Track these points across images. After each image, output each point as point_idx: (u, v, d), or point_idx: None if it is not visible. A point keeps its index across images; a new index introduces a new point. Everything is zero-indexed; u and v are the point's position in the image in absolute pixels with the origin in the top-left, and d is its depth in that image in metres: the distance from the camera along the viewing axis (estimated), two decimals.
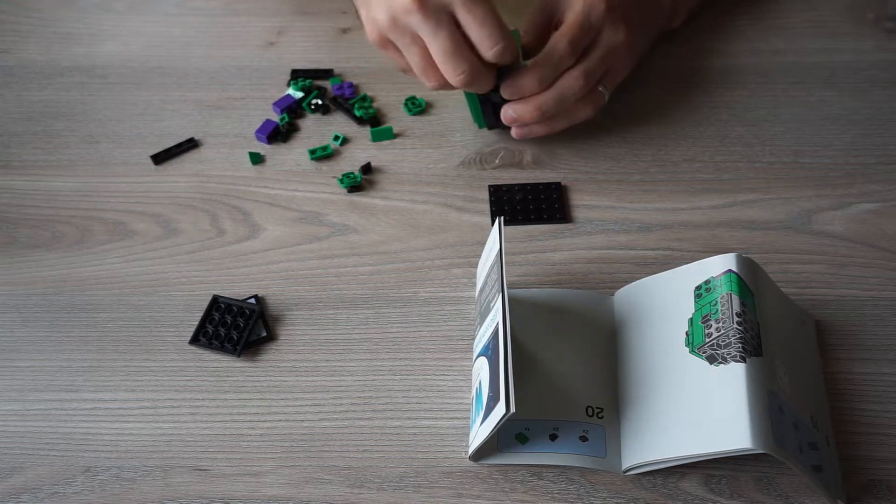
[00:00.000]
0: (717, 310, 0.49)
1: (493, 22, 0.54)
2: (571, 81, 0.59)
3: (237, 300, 0.57)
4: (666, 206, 0.62)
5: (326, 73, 0.70)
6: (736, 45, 0.71)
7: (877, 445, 0.51)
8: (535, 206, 0.62)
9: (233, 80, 0.71)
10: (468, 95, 0.62)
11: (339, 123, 0.68)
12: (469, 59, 0.56)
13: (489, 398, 0.46)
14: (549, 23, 0.63)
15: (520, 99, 0.60)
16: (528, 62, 0.60)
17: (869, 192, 0.62)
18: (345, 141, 0.66)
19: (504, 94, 0.60)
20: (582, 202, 0.62)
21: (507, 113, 0.61)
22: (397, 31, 0.56)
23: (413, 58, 0.57)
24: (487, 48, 0.55)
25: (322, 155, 0.65)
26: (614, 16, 0.61)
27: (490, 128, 0.66)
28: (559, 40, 0.58)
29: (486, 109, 0.63)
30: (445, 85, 0.58)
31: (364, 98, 0.68)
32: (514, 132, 0.62)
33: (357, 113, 0.67)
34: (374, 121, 0.67)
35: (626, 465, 0.49)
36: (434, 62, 0.57)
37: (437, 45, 0.55)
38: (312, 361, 0.55)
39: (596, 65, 0.60)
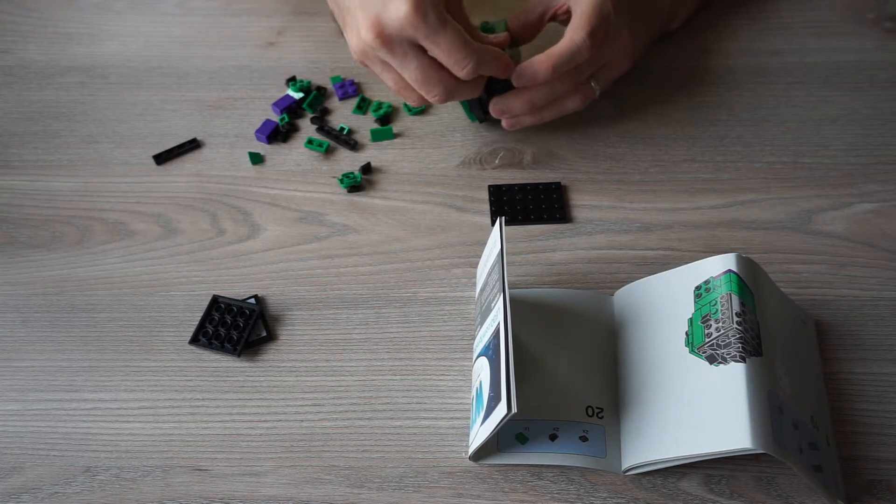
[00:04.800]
0: (716, 310, 0.49)
1: (458, 47, 0.54)
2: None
3: (237, 300, 0.57)
4: (666, 206, 0.62)
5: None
6: (736, 45, 0.71)
7: (877, 445, 0.51)
8: (535, 206, 0.62)
9: (233, 80, 0.71)
10: None
11: (338, 121, 0.68)
12: (441, 81, 0.56)
13: (490, 398, 0.46)
14: (545, 13, 0.63)
15: (509, 92, 0.61)
16: (514, 49, 0.62)
17: (869, 192, 0.62)
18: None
19: (515, 81, 0.59)
20: (582, 202, 0.62)
21: (497, 104, 0.61)
22: (368, 60, 0.57)
23: (388, 82, 0.58)
24: (459, 71, 0.55)
25: (318, 149, 0.65)
26: (619, 12, 0.61)
27: (480, 121, 0.66)
28: (577, 32, 0.58)
29: (473, 104, 0.64)
30: (425, 101, 0.59)
31: (364, 100, 0.68)
32: (504, 123, 0.63)
33: (374, 115, 0.67)
34: (384, 119, 0.67)
35: (626, 465, 0.49)
36: (409, 84, 0.57)
37: (409, 75, 0.56)
38: (312, 361, 0.55)
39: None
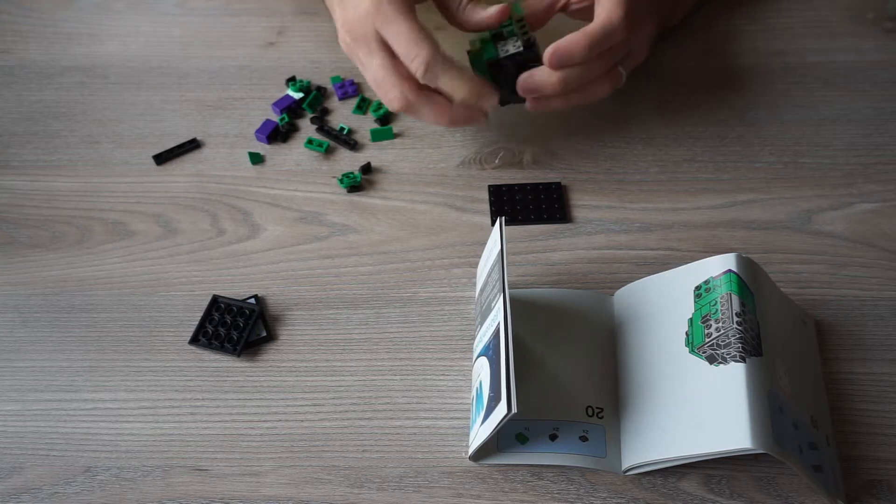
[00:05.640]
0: (716, 310, 0.49)
1: (414, 38, 0.53)
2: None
3: (237, 300, 0.57)
4: (666, 206, 0.62)
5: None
6: (736, 45, 0.71)
7: (877, 445, 0.51)
8: (535, 206, 0.62)
9: (233, 80, 0.71)
10: (477, 67, 0.60)
11: (338, 121, 0.68)
12: (398, 84, 0.55)
13: (490, 398, 0.46)
14: (555, 2, 0.62)
15: (541, 68, 0.58)
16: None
17: (869, 192, 0.62)
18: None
19: (548, 62, 0.56)
20: (582, 202, 0.62)
21: (527, 81, 0.58)
22: (352, 57, 0.58)
23: (369, 81, 0.58)
24: (410, 63, 0.54)
25: (318, 149, 0.65)
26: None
27: (502, 104, 0.61)
28: (613, 10, 0.56)
29: (501, 80, 0.59)
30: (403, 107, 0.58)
31: (364, 100, 0.68)
32: (528, 105, 0.60)
33: (374, 115, 0.67)
34: (384, 119, 0.67)
35: (626, 465, 0.49)
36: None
37: (369, 75, 0.56)
38: (312, 361, 0.55)
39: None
